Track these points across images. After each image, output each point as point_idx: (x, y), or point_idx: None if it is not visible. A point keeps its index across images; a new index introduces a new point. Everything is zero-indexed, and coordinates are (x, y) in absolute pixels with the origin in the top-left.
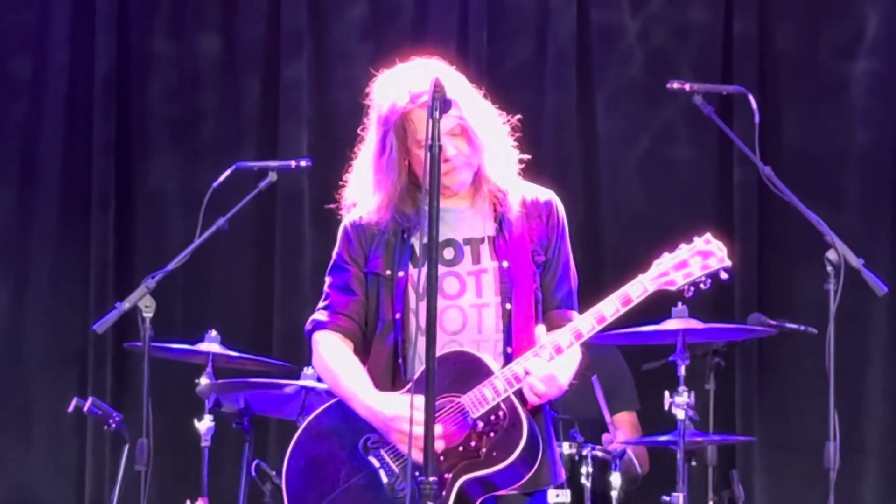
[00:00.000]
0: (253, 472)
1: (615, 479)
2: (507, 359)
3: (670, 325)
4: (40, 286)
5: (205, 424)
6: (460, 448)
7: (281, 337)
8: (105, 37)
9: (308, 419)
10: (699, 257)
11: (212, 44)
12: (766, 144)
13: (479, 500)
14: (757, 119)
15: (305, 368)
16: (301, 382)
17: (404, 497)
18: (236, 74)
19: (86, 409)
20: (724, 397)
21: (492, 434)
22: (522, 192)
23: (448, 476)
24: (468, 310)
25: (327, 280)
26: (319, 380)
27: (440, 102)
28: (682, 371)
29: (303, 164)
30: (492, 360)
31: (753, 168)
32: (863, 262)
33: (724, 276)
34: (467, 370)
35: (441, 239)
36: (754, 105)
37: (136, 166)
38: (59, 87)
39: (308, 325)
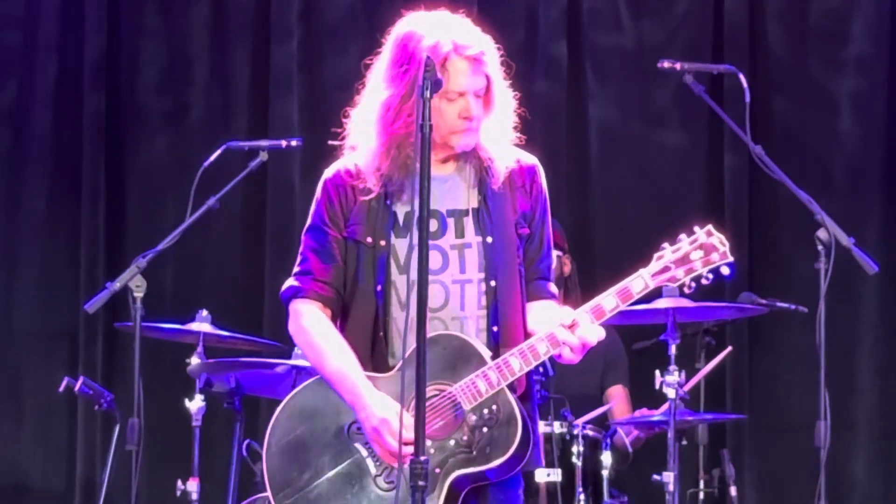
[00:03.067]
0: (244, 452)
1: (606, 457)
2: (493, 337)
3: (661, 304)
4: (31, 266)
5: (196, 404)
6: (451, 442)
7: (271, 317)
8: (95, 16)
9: (288, 397)
10: (701, 251)
11: (202, 23)
12: (757, 124)
13: (465, 490)
14: (748, 98)
15: (296, 348)
16: (292, 362)
17: (392, 488)
18: (227, 54)
19: (77, 388)
20: (714, 376)
21: (485, 429)
22: (507, 158)
23: (439, 471)
24: (450, 286)
25: (304, 240)
26: None
27: (431, 82)
28: (672, 350)
29: (293, 143)
30: (484, 348)
31: (744, 148)
32: (853, 241)
33: (725, 271)
34: (458, 356)
35: None
36: (745, 84)
37: (127, 146)
38: (48, 66)
39: (285, 291)
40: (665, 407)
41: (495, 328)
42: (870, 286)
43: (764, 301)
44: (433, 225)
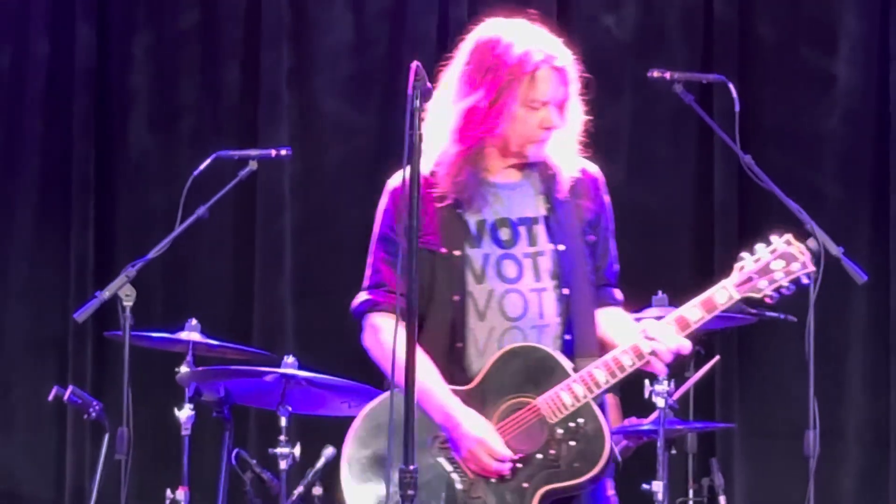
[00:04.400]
0: (233, 461)
1: None
2: (566, 345)
3: (650, 313)
4: (20, 275)
5: (185, 413)
6: (538, 455)
7: (261, 325)
8: (85, 25)
9: (364, 410)
10: (782, 261)
11: (192, 32)
12: (747, 133)
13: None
14: (737, 108)
15: (285, 357)
16: (281, 371)
17: None
18: (216, 63)
19: (66, 397)
20: (703, 385)
21: (571, 442)
22: (572, 168)
23: (527, 486)
24: (528, 294)
25: (374, 251)
26: (300, 368)
27: (420, 91)
28: None
29: (283, 153)
30: (565, 359)
31: (734, 157)
32: (842, 251)
33: (805, 280)
34: (540, 368)
35: (495, 218)
36: (734, 93)
37: (116, 155)
38: (38, 75)
39: (358, 305)
40: (654, 416)
41: (568, 336)
42: (859, 296)
43: (753, 310)
44: (505, 234)
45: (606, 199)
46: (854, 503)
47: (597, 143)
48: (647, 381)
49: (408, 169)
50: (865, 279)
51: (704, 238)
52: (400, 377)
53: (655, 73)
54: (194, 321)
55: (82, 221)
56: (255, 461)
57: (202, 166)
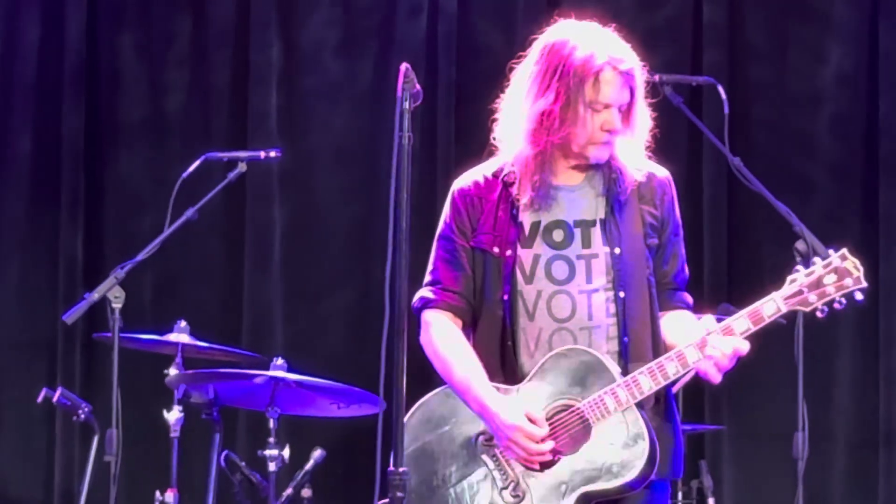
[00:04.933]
0: (222, 463)
1: None
2: (623, 348)
3: None
4: (9, 277)
5: (174, 415)
6: (578, 458)
7: (250, 327)
8: (75, 27)
9: (418, 404)
10: (834, 275)
11: (181, 35)
12: (736, 136)
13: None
14: (726, 109)
15: (274, 359)
16: (270, 373)
17: (518, 502)
18: (205, 65)
19: (55, 399)
20: (692, 387)
21: (611, 447)
22: (638, 172)
23: (564, 487)
24: (577, 296)
25: (435, 249)
26: (288, 370)
27: (409, 93)
28: None
29: (272, 154)
30: (613, 364)
31: (723, 160)
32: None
33: (859, 296)
34: (587, 372)
35: (550, 220)
36: (724, 96)
37: (106, 156)
38: (27, 78)
39: (416, 302)
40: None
41: (625, 339)
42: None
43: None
44: (559, 235)
45: (676, 202)
46: None
47: None
48: None
49: (395, 170)
50: None
51: (693, 240)
52: (447, 375)
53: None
54: (183, 323)
55: (72, 223)
56: (244, 463)
57: (191, 168)
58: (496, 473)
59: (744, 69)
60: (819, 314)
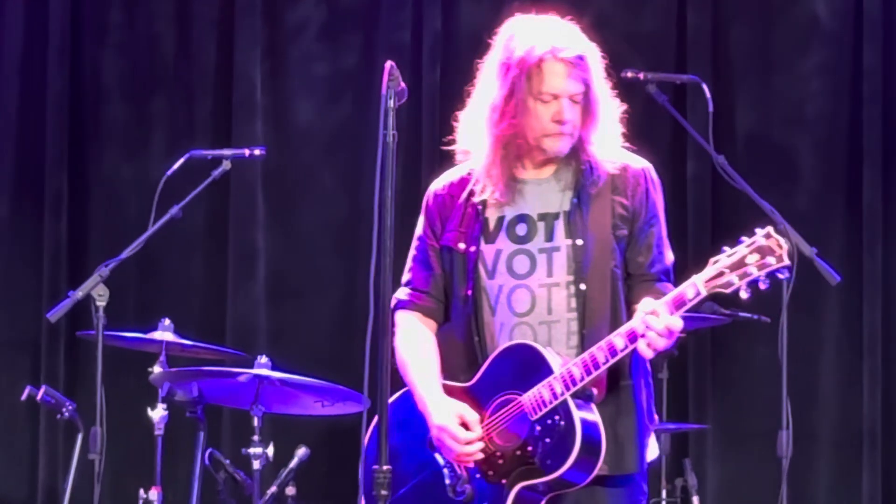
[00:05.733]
0: (207, 461)
1: None
2: (582, 340)
3: None
4: None
5: (158, 413)
6: (517, 452)
7: (234, 325)
8: (59, 26)
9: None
10: (757, 254)
11: (165, 32)
12: (720, 134)
13: (545, 501)
14: (711, 108)
15: (259, 357)
16: (254, 371)
17: (463, 501)
18: (190, 62)
19: (39, 397)
20: (677, 386)
21: (547, 440)
22: (610, 163)
23: (504, 482)
24: (537, 290)
25: (411, 249)
26: (273, 368)
27: (394, 91)
28: None
29: (256, 152)
30: (554, 357)
31: (707, 158)
32: (815, 252)
33: (782, 275)
34: (529, 366)
35: (514, 214)
36: (708, 94)
37: (90, 154)
38: (12, 77)
39: (391, 304)
40: None
41: (584, 331)
42: (832, 296)
43: (726, 311)
44: (522, 229)
45: (653, 192)
46: (827, 502)
47: None
48: None
49: (380, 169)
50: (839, 280)
51: (678, 238)
52: (404, 376)
53: (629, 74)
54: (167, 321)
55: (55, 221)
56: (228, 461)
57: (175, 166)
58: (446, 470)
59: (728, 68)
60: (743, 295)
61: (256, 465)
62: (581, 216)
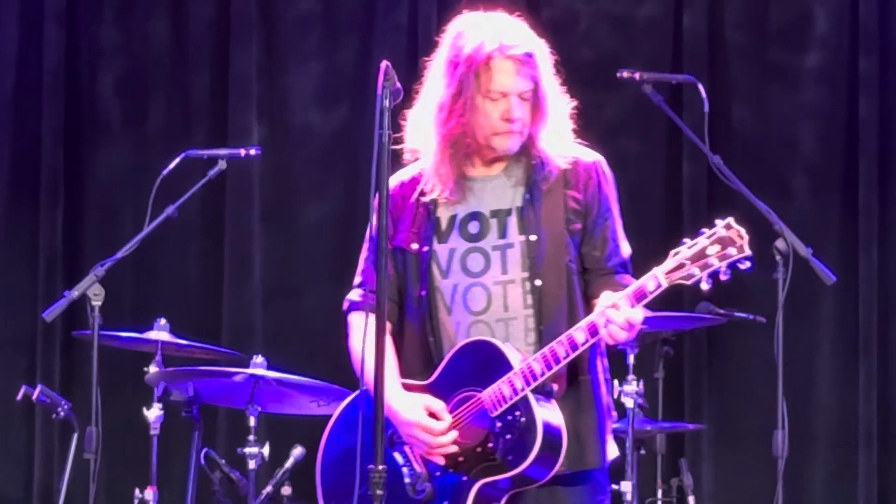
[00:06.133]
0: (202, 461)
1: None
2: (539, 336)
3: None
4: None
5: (154, 413)
6: (478, 449)
7: (230, 325)
8: (54, 25)
9: (340, 407)
10: (718, 245)
11: (161, 32)
12: (716, 134)
13: (506, 498)
14: (707, 108)
15: (254, 357)
16: (250, 371)
17: (422, 499)
18: (185, 62)
19: (34, 397)
20: (672, 386)
21: (508, 436)
22: (561, 159)
23: (466, 478)
24: (492, 287)
25: (363, 250)
26: (268, 368)
27: (390, 91)
28: (631, 360)
29: (252, 152)
30: (513, 353)
31: (703, 158)
32: (811, 252)
33: (744, 265)
34: (488, 362)
35: (466, 212)
36: (704, 94)
37: (86, 154)
38: (7, 76)
39: (344, 305)
40: None
41: (541, 327)
42: (827, 296)
43: (722, 311)
44: (474, 227)
45: (605, 186)
46: (822, 503)
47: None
48: (615, 382)
49: (375, 168)
50: (834, 280)
51: (673, 238)
52: (366, 374)
53: (625, 74)
54: (163, 321)
55: (51, 221)
56: (223, 461)
57: (171, 165)
58: (405, 469)
59: (724, 68)
60: (704, 286)
61: (252, 464)
62: (534, 212)
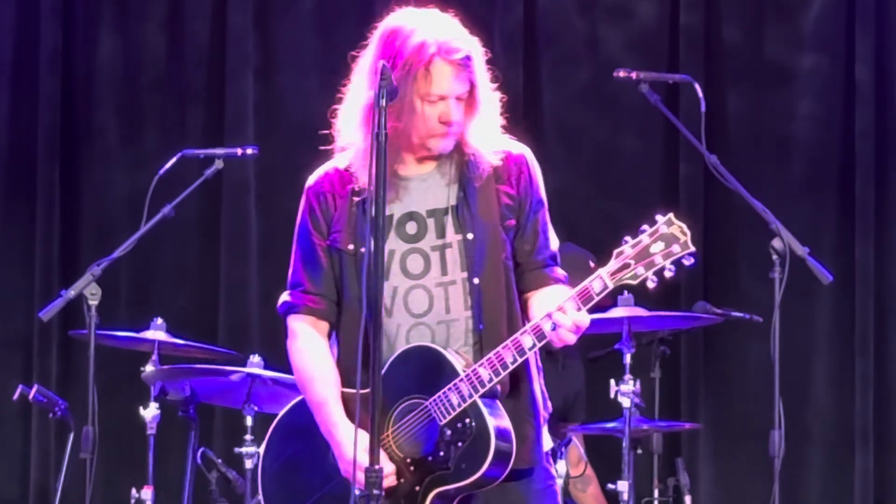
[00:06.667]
0: (199, 460)
1: (561, 466)
2: (479, 337)
3: (616, 313)
4: None
5: (150, 412)
6: (429, 458)
7: (227, 325)
8: (51, 25)
9: (279, 416)
10: (661, 243)
11: (157, 30)
12: (712, 133)
13: (457, 500)
14: (703, 107)
15: (251, 356)
16: (247, 370)
17: None
18: (182, 61)
19: (31, 396)
20: (669, 385)
21: (459, 444)
22: (492, 155)
23: (418, 489)
24: (433, 289)
25: (293, 251)
26: (265, 367)
27: (387, 90)
28: (627, 359)
29: (249, 151)
30: (457, 358)
31: (699, 158)
32: (808, 251)
33: (687, 261)
34: (432, 369)
35: (403, 212)
36: (700, 93)
37: (82, 153)
38: (3, 76)
39: (280, 305)
40: None
41: (481, 326)
42: (824, 296)
43: (718, 310)
44: (412, 227)
45: (534, 178)
46: (818, 502)
47: (563, 142)
48: (612, 381)
49: (373, 167)
50: (831, 279)
51: None
52: (304, 391)
53: (622, 73)
54: (160, 320)
55: (48, 220)
56: (220, 460)
57: (168, 165)
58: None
59: (720, 67)
60: (650, 285)
61: (249, 464)
62: (468, 209)
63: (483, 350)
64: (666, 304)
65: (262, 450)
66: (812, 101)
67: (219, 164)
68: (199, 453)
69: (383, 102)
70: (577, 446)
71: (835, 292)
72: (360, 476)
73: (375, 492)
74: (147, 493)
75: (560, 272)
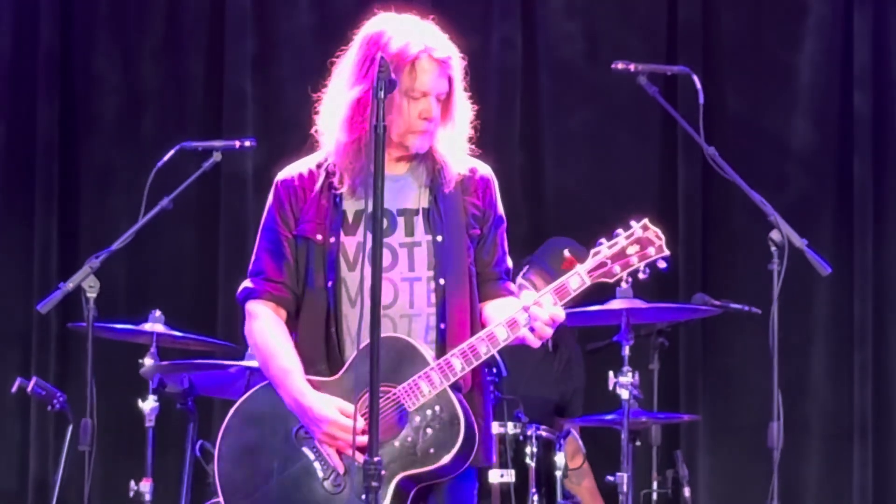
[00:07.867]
0: (197, 453)
1: (559, 458)
2: (440, 334)
3: (615, 305)
4: None
5: (149, 405)
6: (396, 443)
7: (225, 317)
8: (49, 18)
9: (238, 402)
10: (637, 245)
11: (156, 24)
12: (710, 125)
13: (413, 491)
14: (701, 99)
15: (249, 349)
16: (245, 363)
17: (342, 493)
18: (180, 54)
19: (29, 389)
20: (668, 377)
21: (428, 430)
22: (461, 165)
23: (384, 473)
24: (399, 283)
25: (258, 241)
26: None
27: (385, 82)
28: (626, 351)
29: (247, 144)
30: (426, 349)
31: (697, 150)
32: (806, 243)
33: (661, 265)
34: (402, 358)
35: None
36: (698, 85)
37: (80, 145)
38: (2, 68)
39: (240, 292)
40: None
41: (442, 325)
42: (823, 288)
43: (717, 302)
44: (382, 223)
45: (497, 197)
46: (817, 495)
47: (560, 138)
48: (611, 374)
49: (373, 159)
50: (829, 271)
51: (668, 230)
52: (265, 368)
53: (619, 65)
54: (158, 313)
55: (46, 213)
56: None
57: (166, 157)
58: (317, 464)
59: (719, 59)
60: (624, 284)
61: None
62: (439, 214)
63: (445, 348)
64: (665, 295)
65: (220, 434)
66: (810, 92)
67: (217, 156)
68: (197, 446)
69: (381, 95)
70: (575, 438)
71: (833, 284)
72: (338, 432)
73: (374, 484)
74: (146, 485)
75: (513, 287)
